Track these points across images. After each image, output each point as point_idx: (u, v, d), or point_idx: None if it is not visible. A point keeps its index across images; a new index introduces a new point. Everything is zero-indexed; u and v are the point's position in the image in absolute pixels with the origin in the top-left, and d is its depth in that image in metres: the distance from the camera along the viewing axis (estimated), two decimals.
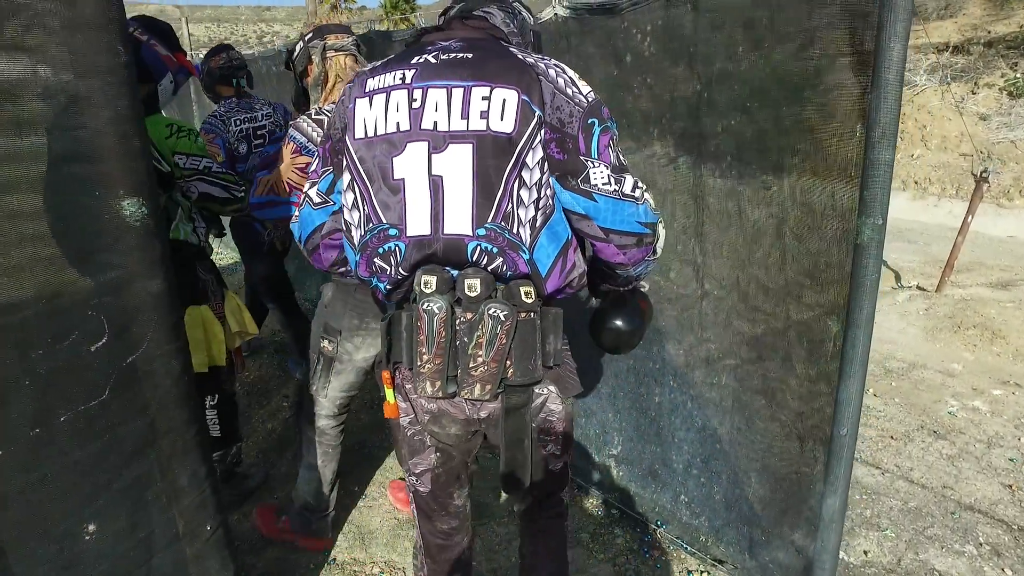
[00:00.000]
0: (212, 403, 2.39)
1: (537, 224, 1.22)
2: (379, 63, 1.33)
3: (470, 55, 1.23)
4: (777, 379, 1.90)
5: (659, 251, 1.35)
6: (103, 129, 1.15)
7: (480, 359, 1.23)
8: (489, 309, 1.20)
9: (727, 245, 1.99)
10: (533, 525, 1.65)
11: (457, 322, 1.23)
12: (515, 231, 1.21)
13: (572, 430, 1.53)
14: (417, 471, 1.49)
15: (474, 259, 1.23)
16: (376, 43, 3.20)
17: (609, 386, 2.60)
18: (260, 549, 2.26)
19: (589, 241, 1.30)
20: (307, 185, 1.40)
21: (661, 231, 1.33)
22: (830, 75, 1.57)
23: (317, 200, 1.37)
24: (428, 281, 1.23)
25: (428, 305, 1.22)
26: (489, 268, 1.23)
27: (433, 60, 1.24)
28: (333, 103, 2.02)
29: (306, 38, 2.10)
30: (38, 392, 1.13)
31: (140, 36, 2.04)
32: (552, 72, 1.23)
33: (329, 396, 2.09)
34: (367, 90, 1.26)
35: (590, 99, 1.24)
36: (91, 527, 1.25)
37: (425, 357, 1.25)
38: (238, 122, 3.24)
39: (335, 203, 1.36)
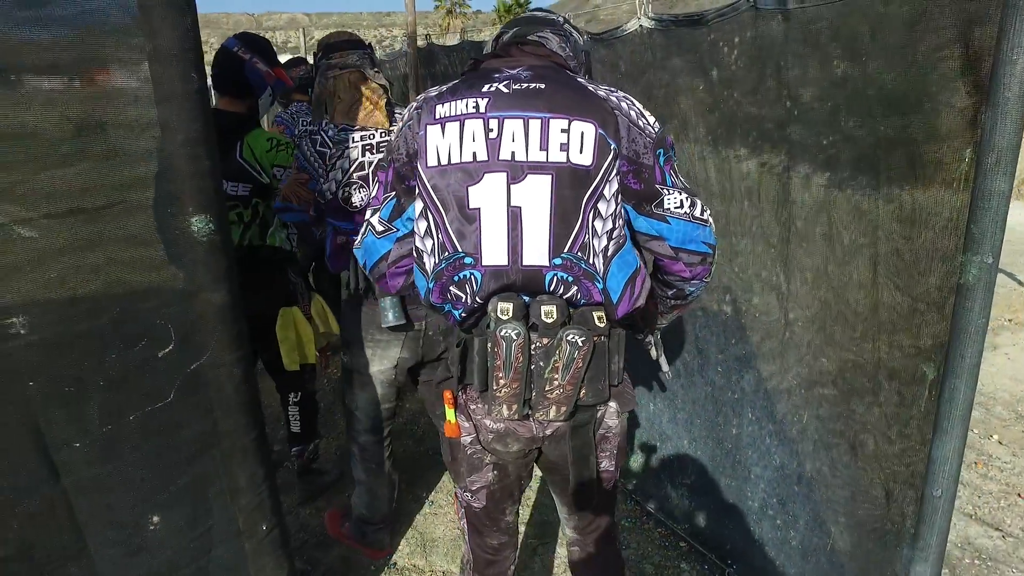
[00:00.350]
0: (295, 400, 2.51)
1: (609, 253, 1.28)
2: (444, 89, 1.34)
3: (542, 85, 1.26)
4: (864, 423, 1.73)
5: (712, 270, 1.40)
6: (177, 151, 1.22)
7: (556, 382, 1.27)
8: (567, 335, 1.24)
9: (814, 271, 1.84)
10: (584, 547, 1.61)
11: (533, 347, 1.26)
12: (590, 261, 1.26)
13: (625, 446, 1.53)
14: (474, 488, 1.52)
15: (551, 289, 1.27)
16: (469, 55, 3.25)
17: (686, 412, 2.49)
18: (328, 546, 2.35)
19: (657, 259, 1.35)
20: (368, 212, 1.42)
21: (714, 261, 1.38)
22: (937, 91, 1.41)
23: (380, 228, 1.39)
24: (505, 308, 1.25)
25: (506, 331, 1.24)
26: (564, 296, 1.28)
27: (505, 89, 1.26)
28: (347, 124, 2.00)
29: (316, 56, 2.10)
30: (111, 392, 1.22)
31: (243, 55, 2.18)
32: (624, 105, 1.27)
33: (361, 409, 2.12)
34: (437, 117, 1.28)
35: (656, 129, 1.29)
36: (155, 518, 1.34)
37: (502, 381, 1.28)
38: (304, 123, 3.41)
39: (398, 229, 1.39)
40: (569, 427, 1.37)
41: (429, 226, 1.31)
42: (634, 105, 1.29)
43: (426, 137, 1.29)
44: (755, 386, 2.11)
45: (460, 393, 1.43)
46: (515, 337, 1.24)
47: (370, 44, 2.11)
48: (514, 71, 1.30)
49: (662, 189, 1.28)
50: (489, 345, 1.28)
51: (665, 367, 1.80)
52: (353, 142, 1.99)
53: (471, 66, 1.40)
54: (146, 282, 1.24)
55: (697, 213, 1.30)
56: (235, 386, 1.41)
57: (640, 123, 1.27)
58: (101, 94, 1.15)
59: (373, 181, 1.99)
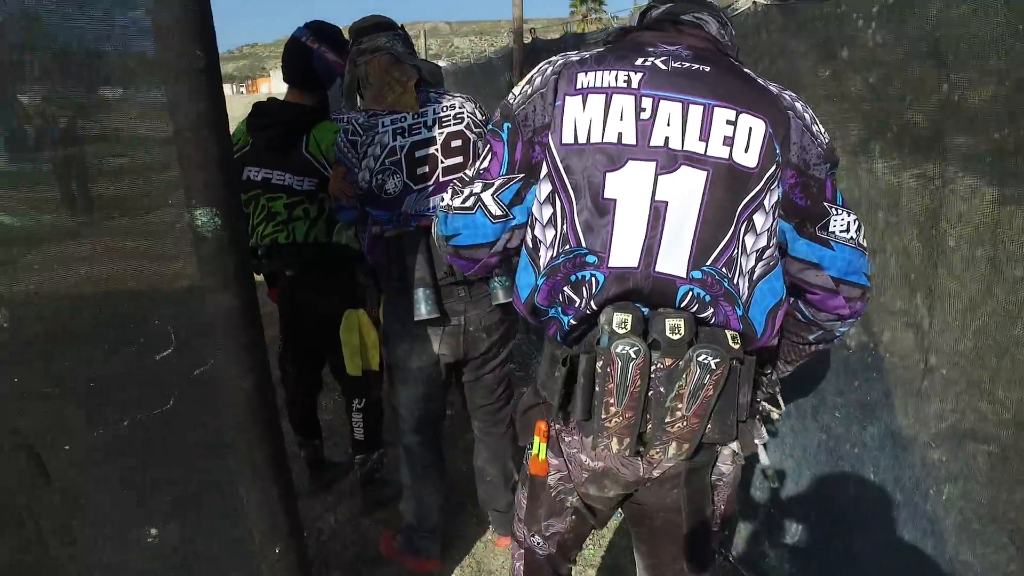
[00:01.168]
0: (359, 406, 2.42)
1: (756, 276, 1.09)
2: (588, 55, 1.14)
3: (707, 68, 1.08)
4: None
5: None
6: (179, 135, 1.11)
7: (679, 413, 1.07)
8: (699, 355, 1.03)
9: (968, 307, 1.43)
10: None
11: (653, 369, 1.05)
12: (735, 281, 1.07)
13: (734, 498, 1.27)
14: (547, 533, 1.34)
15: (682, 305, 1.08)
16: (570, 47, 3.02)
17: (795, 460, 2.10)
18: (380, 565, 2.23)
19: (809, 293, 1.16)
20: (478, 186, 1.19)
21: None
22: None
23: (497, 212, 1.17)
24: (623, 320, 1.05)
25: (623, 348, 1.03)
26: (698, 317, 1.09)
27: (663, 66, 1.08)
28: (376, 110, 1.89)
29: (348, 44, 2.01)
30: (103, 395, 1.13)
31: (311, 44, 2.10)
32: (799, 106, 1.10)
33: (404, 407, 2.02)
34: (579, 87, 1.10)
35: (827, 139, 1.12)
36: (152, 531, 1.24)
37: (613, 409, 1.07)
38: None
39: (515, 217, 1.18)
40: (686, 469, 1.16)
41: (554, 214, 1.12)
42: (808, 108, 1.12)
43: (563, 109, 1.10)
44: (880, 441, 1.71)
45: (551, 425, 1.23)
46: (634, 355, 1.03)
47: (402, 26, 1.97)
48: (672, 48, 1.12)
49: (830, 208, 1.11)
50: (600, 364, 1.06)
51: (780, 407, 1.45)
52: (383, 127, 1.88)
53: (617, 35, 1.21)
54: (145, 279, 1.14)
55: (861, 239, 1.13)
56: (245, 396, 1.28)
57: (814, 129, 1.10)
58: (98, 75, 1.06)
59: (469, 153, 1.89)
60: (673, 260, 1.06)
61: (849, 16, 1.54)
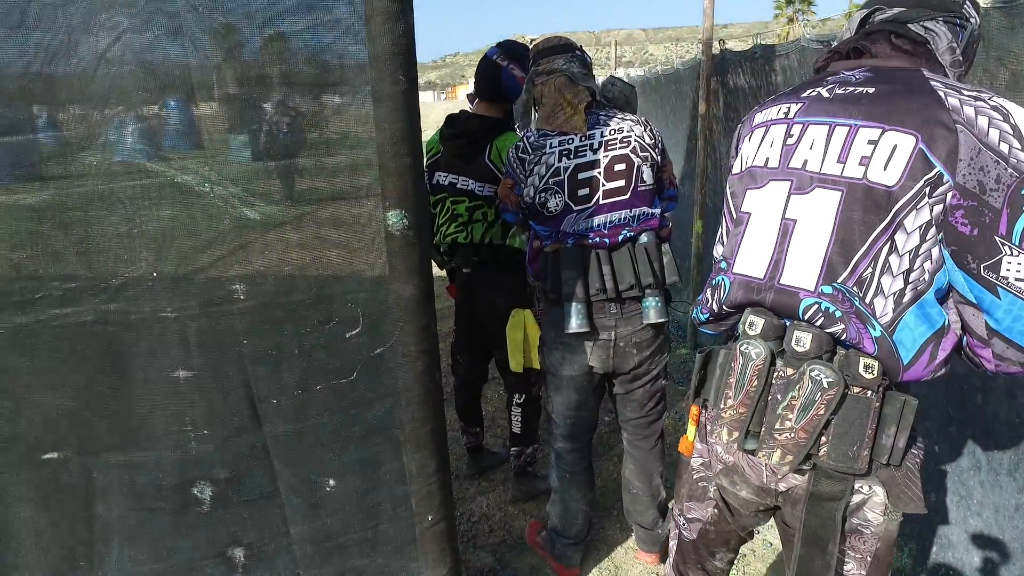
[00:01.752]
0: (519, 401, 2.56)
1: (905, 300, 1.05)
2: (780, 94, 1.28)
3: (871, 89, 1.09)
4: None
5: None
6: (381, 148, 1.31)
7: (788, 423, 1.11)
8: (812, 371, 1.07)
9: None
10: None
11: (775, 375, 1.12)
12: (868, 300, 1.07)
13: (889, 558, 1.18)
14: (689, 515, 1.42)
15: (806, 317, 1.11)
16: (759, 59, 2.92)
17: (983, 519, 1.88)
18: (522, 552, 2.35)
19: (963, 324, 1.08)
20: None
21: None
22: None
23: None
24: (755, 323, 1.16)
25: (747, 348, 1.14)
26: (826, 329, 1.11)
27: (826, 94, 1.14)
28: (547, 129, 2.00)
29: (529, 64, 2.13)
30: (304, 362, 1.37)
31: (501, 61, 2.27)
32: (983, 121, 0.98)
33: (557, 412, 2.09)
34: (753, 125, 1.27)
35: None
36: (331, 482, 1.47)
37: (730, 401, 1.18)
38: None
39: None
40: (807, 492, 1.14)
41: (721, 232, 1.34)
42: (1007, 119, 0.97)
43: (742, 146, 1.30)
44: None
45: (703, 411, 1.33)
46: (754, 357, 1.12)
47: (580, 47, 2.03)
48: (851, 71, 1.16)
49: (1003, 245, 0.97)
50: (729, 358, 1.19)
51: None
52: (551, 148, 1.97)
53: (824, 61, 1.27)
54: (343, 266, 1.35)
55: None
56: (416, 376, 1.47)
57: (1003, 148, 0.96)
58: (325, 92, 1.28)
59: (631, 177, 1.97)
60: (800, 274, 1.11)
61: None
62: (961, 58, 1.13)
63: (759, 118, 1.26)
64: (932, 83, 1.05)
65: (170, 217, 1.26)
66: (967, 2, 1.15)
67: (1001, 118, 0.97)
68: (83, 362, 1.27)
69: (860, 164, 1.06)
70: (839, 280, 1.08)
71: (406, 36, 1.27)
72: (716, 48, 3.51)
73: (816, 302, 1.10)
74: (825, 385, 1.06)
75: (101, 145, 1.22)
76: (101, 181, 1.22)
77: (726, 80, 3.42)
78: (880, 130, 1.04)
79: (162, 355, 1.31)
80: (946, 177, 0.99)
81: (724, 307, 1.24)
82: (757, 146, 1.22)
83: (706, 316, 1.31)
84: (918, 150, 1.00)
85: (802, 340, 1.10)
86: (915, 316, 1.05)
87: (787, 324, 1.14)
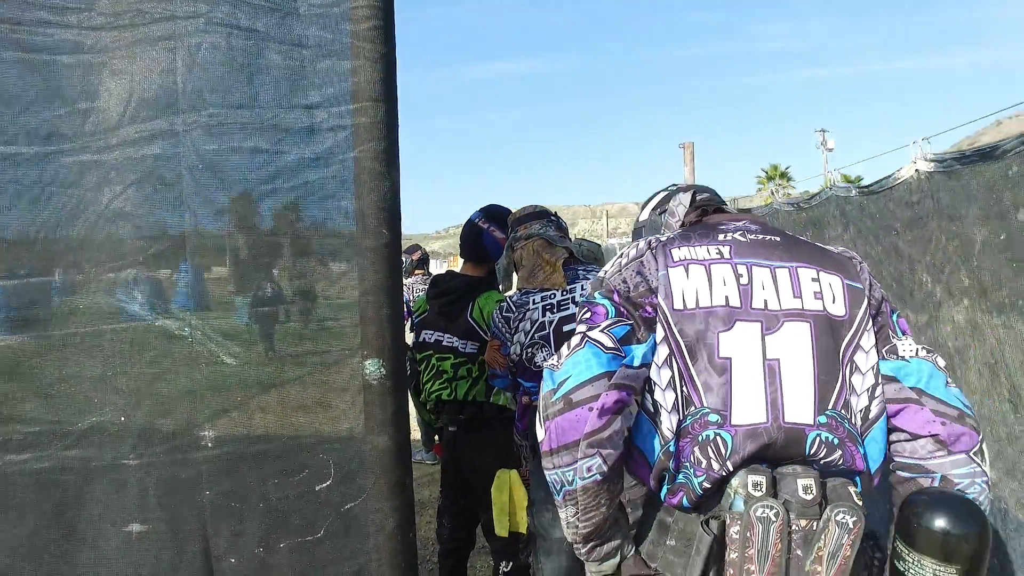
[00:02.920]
0: (505, 570, 2.38)
1: (872, 415, 1.15)
2: (672, 236, 1.29)
3: (777, 238, 1.24)
4: None
5: (987, 469, 1.13)
6: (361, 298, 1.34)
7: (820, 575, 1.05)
8: (837, 515, 1.05)
9: None
10: None
11: (790, 531, 1.07)
12: (853, 421, 1.14)
13: None
14: None
15: (811, 451, 1.11)
16: None
17: None
18: None
19: (896, 418, 1.16)
20: (584, 327, 1.19)
21: (984, 448, 1.14)
22: None
23: (608, 344, 1.14)
24: (758, 482, 1.08)
25: (762, 511, 1.05)
26: (825, 461, 1.12)
27: (741, 238, 1.24)
28: (529, 288, 2.07)
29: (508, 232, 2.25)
30: (269, 517, 1.29)
31: (483, 224, 2.41)
32: (857, 255, 1.28)
33: None
34: (677, 259, 1.21)
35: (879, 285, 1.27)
36: None
37: None
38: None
39: (626, 356, 1.15)
40: None
41: (673, 376, 1.16)
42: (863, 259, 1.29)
43: (669, 278, 1.19)
44: None
45: None
46: (774, 518, 1.04)
47: (555, 214, 2.18)
48: (740, 223, 1.29)
49: (892, 336, 1.20)
50: (735, 529, 1.07)
51: None
52: (534, 304, 2.05)
53: (692, 221, 1.37)
54: (316, 415, 1.32)
55: (940, 363, 1.17)
56: (387, 534, 1.37)
57: (874, 275, 1.26)
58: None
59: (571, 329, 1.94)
60: (799, 409, 1.11)
61: (1022, 177, 1.46)
62: None
63: (681, 254, 1.20)
64: (801, 237, 1.32)
65: (148, 361, 1.26)
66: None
67: (860, 257, 1.30)
68: (29, 513, 1.21)
69: (816, 298, 1.17)
70: (830, 407, 1.12)
71: (391, 193, 1.36)
72: None
73: (817, 434, 1.11)
74: (851, 525, 1.04)
75: (90, 291, 1.25)
76: (81, 324, 1.24)
77: None
78: (815, 270, 1.19)
79: (117, 507, 1.24)
80: (869, 300, 1.19)
81: (729, 466, 1.11)
82: (707, 284, 1.16)
83: (703, 483, 1.12)
84: (846, 284, 1.18)
85: (809, 487, 1.07)
86: (880, 431, 1.15)
87: (775, 476, 1.10)
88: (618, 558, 1.23)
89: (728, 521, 1.07)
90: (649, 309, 1.19)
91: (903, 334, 1.20)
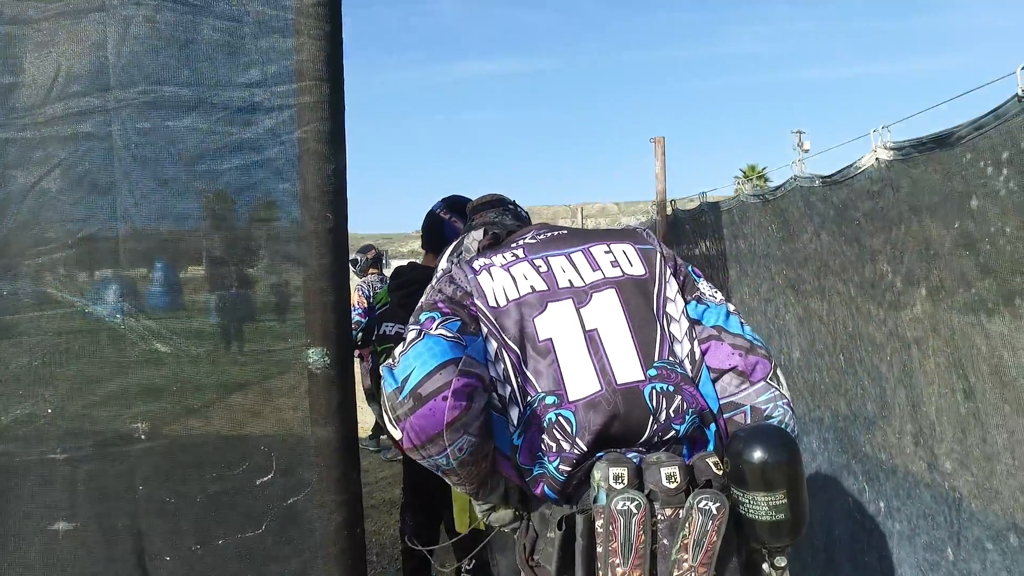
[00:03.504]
0: (467, 568, 2.34)
1: (698, 357, 1.21)
2: (470, 257, 1.36)
3: (564, 231, 1.35)
4: None
5: (785, 392, 1.20)
6: (304, 285, 1.29)
7: (686, 565, 1.05)
8: (699, 502, 1.04)
9: None
10: None
11: (655, 521, 1.05)
12: (685, 365, 1.19)
13: None
14: None
15: (653, 405, 1.13)
16: (708, 215, 3.09)
17: None
18: None
19: (704, 354, 1.22)
20: (416, 331, 1.12)
21: (779, 373, 1.22)
22: None
23: (448, 334, 1.11)
24: (619, 474, 1.06)
25: (624, 504, 1.03)
26: (671, 410, 1.14)
27: (532, 240, 1.32)
28: None
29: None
30: (206, 512, 1.24)
31: (444, 215, 2.36)
32: (643, 228, 1.38)
33: None
34: (479, 267, 1.24)
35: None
36: None
37: (620, 570, 1.04)
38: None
39: (467, 345, 1.12)
40: None
41: (507, 367, 1.16)
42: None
43: (478, 281, 1.22)
44: None
45: None
46: (635, 510, 1.03)
47: (514, 202, 2.13)
48: (530, 232, 1.38)
49: (696, 284, 1.30)
50: (600, 523, 1.05)
51: None
52: None
53: (488, 243, 1.43)
54: (256, 406, 1.27)
55: (733, 308, 1.28)
56: (334, 530, 1.33)
57: (661, 240, 1.36)
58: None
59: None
60: (627, 369, 1.15)
61: (976, 164, 1.45)
62: None
63: (479, 263, 1.24)
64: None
65: (76, 350, 1.20)
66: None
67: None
68: None
69: (614, 266, 1.24)
70: (656, 358, 1.17)
71: (336, 176, 1.31)
72: (668, 209, 3.73)
73: (652, 387, 1.14)
74: (714, 511, 1.03)
75: (13, 276, 1.19)
76: (4, 312, 1.18)
77: (678, 238, 3.60)
78: (605, 244, 1.27)
79: (41, 503, 1.18)
80: (661, 252, 1.28)
81: (580, 444, 1.09)
82: (510, 281, 1.20)
83: (562, 466, 1.10)
84: (638, 248, 1.27)
85: (672, 476, 1.06)
86: (705, 372, 1.21)
87: (640, 464, 1.08)
88: (512, 511, 1.25)
89: (594, 515, 1.06)
90: (472, 308, 1.20)
91: (701, 280, 1.31)
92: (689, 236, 3.52)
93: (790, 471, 1.05)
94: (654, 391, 1.14)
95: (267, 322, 1.29)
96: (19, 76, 1.20)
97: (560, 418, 1.11)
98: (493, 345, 1.17)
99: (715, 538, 1.04)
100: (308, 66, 1.30)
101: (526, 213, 2.12)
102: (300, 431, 1.30)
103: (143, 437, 1.22)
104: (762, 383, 1.19)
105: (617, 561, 1.03)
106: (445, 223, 2.34)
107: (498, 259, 1.25)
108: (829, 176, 2.02)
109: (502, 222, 1.97)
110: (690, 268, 1.33)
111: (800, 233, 2.37)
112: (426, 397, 1.03)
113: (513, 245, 1.31)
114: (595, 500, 1.07)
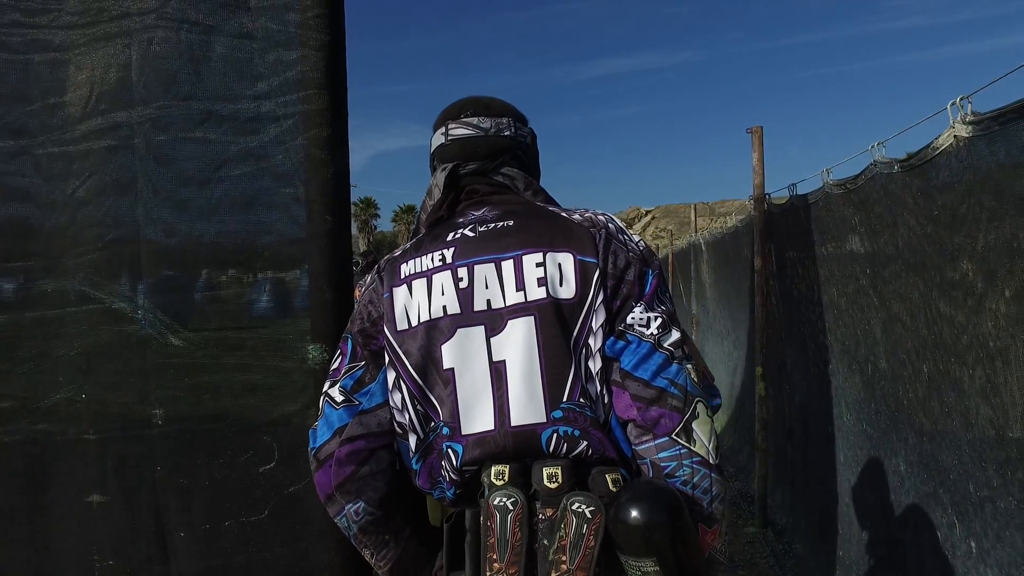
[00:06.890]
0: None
1: (606, 401, 1.11)
2: (409, 245, 1.24)
3: (510, 222, 1.18)
4: None
5: (709, 452, 1.06)
6: (304, 284, 1.35)
7: (564, 567, 1.03)
8: (572, 504, 1.03)
9: None
10: None
11: (536, 520, 1.06)
12: (596, 408, 1.10)
13: None
14: None
15: (550, 450, 1.08)
16: (800, 211, 2.86)
17: None
18: None
19: (610, 396, 1.12)
20: (327, 384, 1.21)
21: (706, 416, 1.08)
22: None
23: (339, 399, 1.18)
24: (501, 471, 1.07)
25: (500, 500, 1.04)
26: (573, 455, 1.09)
27: (471, 233, 1.18)
28: None
29: None
30: (215, 495, 1.34)
31: None
32: (601, 218, 1.18)
33: None
34: (402, 277, 1.18)
35: (641, 247, 1.19)
36: None
37: (496, 566, 1.05)
38: None
39: (360, 403, 1.17)
40: None
41: (403, 397, 1.15)
42: (612, 220, 1.19)
43: (392, 300, 1.18)
44: None
45: None
46: (511, 507, 1.04)
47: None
48: (479, 212, 1.22)
49: (635, 305, 1.12)
50: (482, 518, 1.06)
51: None
52: None
53: (439, 218, 1.27)
54: (260, 398, 1.35)
55: (666, 342, 1.09)
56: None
57: (621, 237, 1.16)
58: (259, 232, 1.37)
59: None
60: (527, 410, 1.08)
61: None
62: (536, 182, 1.27)
63: (408, 269, 1.18)
64: (551, 209, 1.21)
65: (107, 342, 1.34)
66: (517, 130, 1.25)
67: (610, 217, 1.18)
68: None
69: (540, 285, 1.11)
70: (565, 399, 1.09)
71: (335, 180, 1.36)
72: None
73: (554, 430, 1.08)
74: (588, 515, 1.02)
75: (56, 275, 1.34)
76: (49, 307, 1.33)
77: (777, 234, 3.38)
78: (541, 253, 1.12)
79: (79, 478, 1.33)
80: (601, 268, 1.11)
81: (463, 468, 1.10)
82: (426, 297, 1.15)
83: (452, 491, 1.12)
84: (578, 260, 1.11)
85: (554, 476, 1.06)
86: (615, 417, 1.10)
87: (531, 464, 1.08)
88: None
89: (480, 511, 1.07)
90: (378, 340, 1.17)
91: (649, 303, 1.12)
92: (786, 235, 3.28)
93: (661, 536, 0.97)
94: (555, 434, 1.08)
95: (271, 320, 1.36)
96: (64, 96, 1.35)
97: (450, 451, 1.11)
98: (392, 375, 1.17)
99: (592, 542, 1.02)
100: (310, 76, 1.36)
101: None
102: (300, 423, 1.37)
103: (160, 423, 1.34)
104: (665, 439, 1.08)
105: (494, 556, 1.04)
106: None
107: (426, 261, 1.18)
108: (904, 160, 1.79)
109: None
110: (650, 279, 1.15)
111: (881, 227, 2.13)
112: (322, 461, 1.16)
113: (451, 236, 1.20)
114: (481, 496, 1.08)
